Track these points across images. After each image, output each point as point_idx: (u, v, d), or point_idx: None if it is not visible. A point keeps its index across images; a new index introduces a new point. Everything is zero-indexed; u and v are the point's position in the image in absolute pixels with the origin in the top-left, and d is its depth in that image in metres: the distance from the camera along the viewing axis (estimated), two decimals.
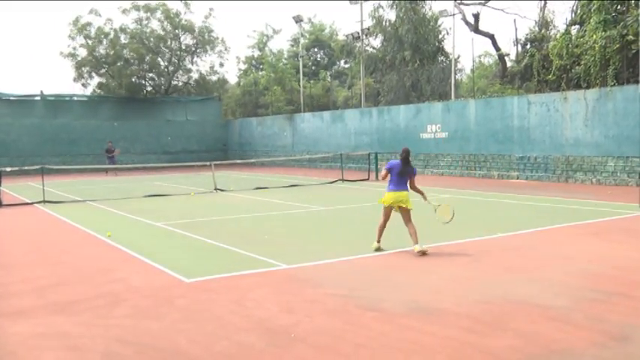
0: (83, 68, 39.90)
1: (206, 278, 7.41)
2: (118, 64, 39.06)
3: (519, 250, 8.73)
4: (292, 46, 51.67)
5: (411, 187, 8.90)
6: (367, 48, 37.33)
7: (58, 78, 78.78)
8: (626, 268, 7.52)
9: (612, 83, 19.28)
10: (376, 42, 38.83)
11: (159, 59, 41.17)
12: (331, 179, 22.51)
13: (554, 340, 4.99)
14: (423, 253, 8.40)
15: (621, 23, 19.58)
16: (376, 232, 8.93)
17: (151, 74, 41.79)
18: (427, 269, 7.65)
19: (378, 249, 8.83)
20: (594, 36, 20.03)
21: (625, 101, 18.34)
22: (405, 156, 8.78)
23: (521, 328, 5.32)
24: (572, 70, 21.85)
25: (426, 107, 26.28)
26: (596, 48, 19.88)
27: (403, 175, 8.76)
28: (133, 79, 40.14)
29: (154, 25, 40.60)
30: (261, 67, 50.47)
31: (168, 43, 41.07)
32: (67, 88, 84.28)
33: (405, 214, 8.75)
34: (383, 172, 8.98)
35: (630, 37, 19.14)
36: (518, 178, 21.56)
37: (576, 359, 4.62)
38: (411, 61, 33.76)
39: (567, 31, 23.19)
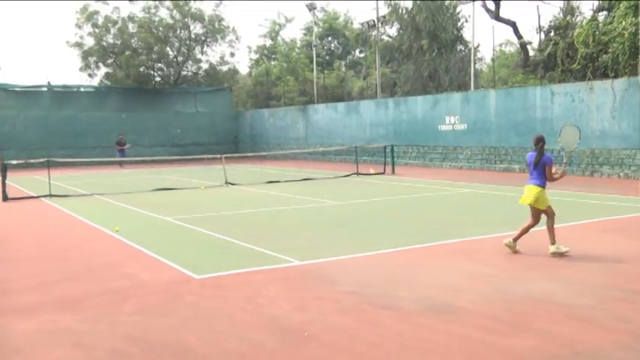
0: (90, 58, 40.15)
1: (216, 274, 7.45)
2: (126, 53, 39.25)
3: (541, 247, 8.66)
4: (305, 35, 51.60)
5: (549, 181, 8.18)
6: (383, 37, 37.17)
7: (64, 68, 79.45)
8: None
9: None
10: (392, 30, 38.66)
11: (168, 49, 41.32)
12: (346, 173, 22.50)
13: (577, 340, 4.96)
14: (558, 251, 7.96)
15: None
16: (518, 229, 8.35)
17: (159, 64, 41.94)
18: (445, 266, 7.63)
19: (511, 246, 8.26)
20: (623, 22, 19.75)
21: None
22: (539, 144, 8.11)
23: (542, 327, 5.29)
24: (599, 59, 21.60)
25: (445, 98, 26.14)
26: (626, 35, 19.60)
27: (536, 166, 8.14)
28: (141, 70, 40.32)
29: (163, 13, 40.79)
30: (273, 56, 50.49)
31: (178, 32, 41.19)
32: (73, 78, 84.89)
33: (546, 211, 8.15)
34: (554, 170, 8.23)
35: None
36: None
37: None
38: (428, 51, 33.55)
39: (594, 18, 22.94)
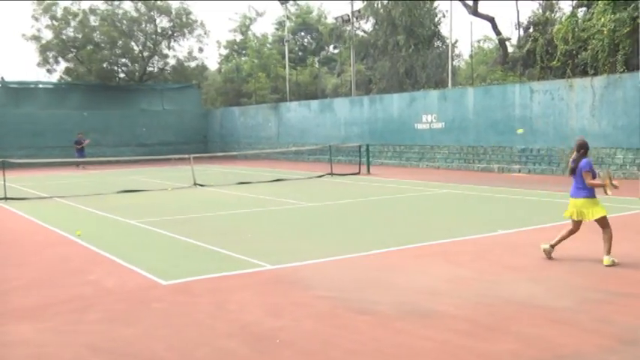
0: (48, 52, 39.53)
1: (185, 280, 7.39)
2: (88, 48, 38.73)
3: (521, 249, 8.79)
4: (277, 29, 51.54)
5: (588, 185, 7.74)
6: (358, 32, 37.32)
7: (20, 63, 78.04)
8: (632, 266, 7.60)
9: (622, 69, 19.42)
10: (367, 25, 38.86)
11: (132, 43, 40.89)
12: (319, 173, 22.52)
13: (559, 344, 5.03)
14: (613, 264, 7.55)
15: (632, 5, 19.68)
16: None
17: (123, 60, 41.50)
18: (423, 269, 7.68)
19: (548, 253, 8.03)
20: (602, 19, 20.14)
21: (635, 89, 18.46)
22: (581, 151, 7.67)
23: (523, 331, 5.36)
24: (579, 56, 21.98)
25: (421, 96, 26.34)
26: (605, 32, 19.99)
27: (575, 174, 7.70)
28: (104, 65, 39.84)
29: (127, 6, 40.36)
30: (243, 52, 50.32)
31: (143, 26, 40.80)
32: (31, 74, 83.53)
33: (598, 222, 7.75)
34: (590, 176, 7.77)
35: None
36: (520, 172, 21.69)
37: None
38: (404, 46, 33.77)
39: (573, 14, 23.35)
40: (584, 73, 21.13)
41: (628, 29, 19.61)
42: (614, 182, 7.88)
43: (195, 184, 19.25)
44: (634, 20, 19.50)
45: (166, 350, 5.14)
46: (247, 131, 37.23)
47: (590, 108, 19.62)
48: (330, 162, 23.89)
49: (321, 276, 7.49)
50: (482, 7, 31.99)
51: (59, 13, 38.77)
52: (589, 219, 7.76)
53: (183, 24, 41.55)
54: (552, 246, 8.05)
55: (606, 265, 7.60)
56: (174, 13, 41.08)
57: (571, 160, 7.94)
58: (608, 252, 7.69)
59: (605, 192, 7.85)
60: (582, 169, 7.66)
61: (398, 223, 11.54)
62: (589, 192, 7.74)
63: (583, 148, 7.74)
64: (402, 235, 10.18)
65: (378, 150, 27.31)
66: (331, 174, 22.04)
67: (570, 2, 28.71)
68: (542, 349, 4.93)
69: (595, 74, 20.29)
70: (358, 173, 22.52)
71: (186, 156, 21.44)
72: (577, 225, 7.99)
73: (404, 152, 26.53)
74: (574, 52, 22.10)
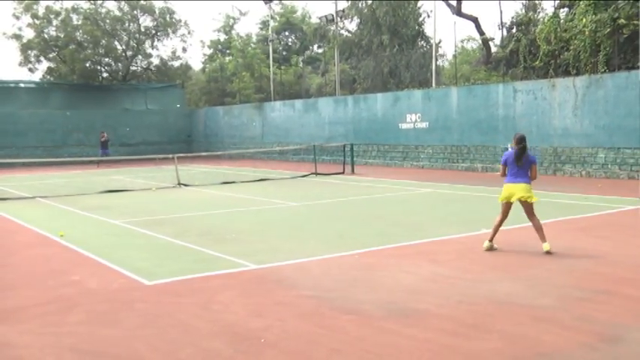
0: (30, 51, 39.18)
1: (169, 280, 7.36)
2: (70, 47, 38.45)
3: (503, 247, 8.85)
4: (261, 29, 51.46)
5: (532, 179, 8.61)
6: (342, 32, 37.36)
7: (1, 62, 77.18)
8: (614, 264, 7.69)
9: (603, 70, 19.62)
10: (352, 25, 38.95)
11: (115, 43, 40.67)
12: (303, 173, 22.52)
13: (540, 341, 5.08)
14: (548, 253, 8.24)
15: (612, 6, 19.90)
16: (491, 229, 8.72)
17: (107, 59, 41.26)
18: (407, 269, 7.71)
19: (490, 248, 8.61)
20: (584, 20, 20.33)
21: (616, 89, 18.67)
22: (521, 144, 8.41)
23: (506, 329, 5.40)
24: (561, 56, 22.18)
25: (405, 95, 26.43)
26: (586, 32, 20.18)
27: (521, 164, 8.46)
28: (87, 65, 39.59)
29: (110, 5, 40.26)
30: (227, 52, 50.20)
31: (126, 25, 40.59)
32: (12, 73, 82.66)
33: (527, 207, 8.53)
34: (501, 168, 8.80)
35: (622, 21, 19.47)
36: None
37: None
38: (389, 46, 33.89)
39: (555, 14, 23.55)
40: (567, 73, 21.33)
41: (608, 30, 19.82)
42: None
43: (179, 183, 19.17)
44: (614, 21, 19.71)
45: (150, 351, 5.11)
46: (231, 131, 37.13)
47: (572, 108, 19.80)
48: (314, 162, 23.89)
49: (305, 276, 7.50)
50: (465, 8, 32.22)
51: (40, 11, 38.43)
52: (532, 200, 8.46)
53: (166, 23, 41.39)
54: (491, 240, 8.64)
55: (545, 252, 8.23)
56: (157, 12, 40.92)
57: (506, 153, 8.67)
58: (544, 239, 8.37)
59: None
60: (534, 163, 8.55)
61: (382, 223, 11.57)
62: (527, 180, 8.53)
63: (524, 141, 8.44)
64: (386, 234, 10.21)
65: (363, 150, 27.36)
66: (315, 174, 22.05)
67: (552, 3, 29.02)
68: (524, 347, 4.98)
69: (577, 74, 20.48)
70: (342, 173, 22.55)
71: (170, 156, 21.34)
72: (507, 210, 8.70)
73: (388, 152, 26.61)
74: (556, 52, 22.29)
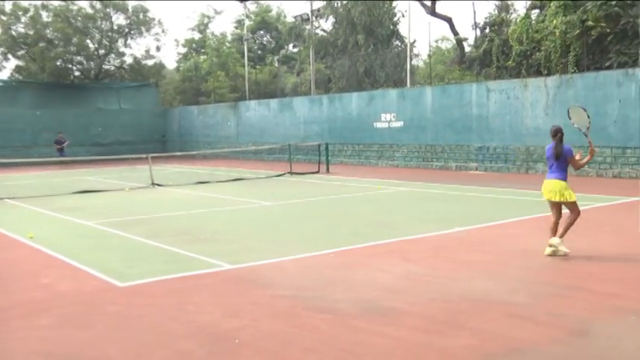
0: None
1: (142, 281, 7.29)
2: (40, 45, 37.84)
3: (477, 245, 8.94)
4: (236, 28, 51.25)
5: (577, 168, 8.30)
6: (317, 31, 37.38)
7: None
8: (584, 260, 7.80)
9: (573, 70, 19.93)
10: (327, 24, 39.01)
11: (88, 41, 40.16)
12: (279, 172, 22.49)
13: (512, 337, 5.14)
14: (554, 254, 7.89)
15: (581, 8, 20.23)
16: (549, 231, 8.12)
17: (78, 57, 40.73)
18: (380, 267, 7.75)
19: (555, 252, 7.96)
20: (554, 21, 20.65)
21: (585, 89, 18.98)
22: (559, 135, 7.97)
23: (478, 326, 5.46)
24: (533, 56, 22.48)
25: (380, 94, 26.54)
26: (557, 33, 20.50)
27: (558, 158, 7.97)
28: (58, 63, 39.04)
29: (82, 2, 39.67)
30: (202, 51, 49.91)
31: (99, 23, 40.11)
32: None
33: (568, 205, 7.99)
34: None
35: (590, 23, 19.80)
36: (477, 170, 22.05)
37: (535, 357, 4.77)
38: (364, 46, 34.02)
39: (527, 16, 23.84)
40: (538, 73, 21.61)
41: (578, 31, 20.15)
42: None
43: (153, 184, 19.00)
44: (583, 23, 20.04)
45: (122, 354, 5.06)
46: (206, 130, 36.92)
47: (544, 107, 20.07)
48: (289, 161, 23.86)
49: (280, 275, 7.49)
50: (439, 8, 32.47)
51: (8, 7, 37.78)
52: (567, 199, 7.93)
53: (140, 22, 41.02)
54: (561, 236, 7.99)
55: (551, 245, 7.93)
56: (130, 10, 40.51)
57: (547, 147, 8.21)
58: (562, 235, 7.91)
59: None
60: (568, 156, 8.01)
61: (356, 222, 11.61)
62: (566, 176, 8.04)
63: (560, 132, 8.02)
64: (360, 233, 10.24)
65: (338, 149, 27.41)
66: (291, 173, 22.03)
67: (524, 4, 29.39)
68: (497, 343, 5.03)
69: (548, 74, 20.77)
70: (317, 172, 22.56)
71: (144, 156, 21.13)
72: (554, 207, 8.11)
73: (363, 151, 26.70)
74: (528, 52, 22.58)
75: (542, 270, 7.45)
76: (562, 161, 8.01)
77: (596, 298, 6.24)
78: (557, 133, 8.05)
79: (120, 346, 5.23)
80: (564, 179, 7.99)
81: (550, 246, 8.01)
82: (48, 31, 38.39)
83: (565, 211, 8.13)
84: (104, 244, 9.96)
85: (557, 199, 7.97)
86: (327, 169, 22.93)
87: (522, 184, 16.83)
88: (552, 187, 8.01)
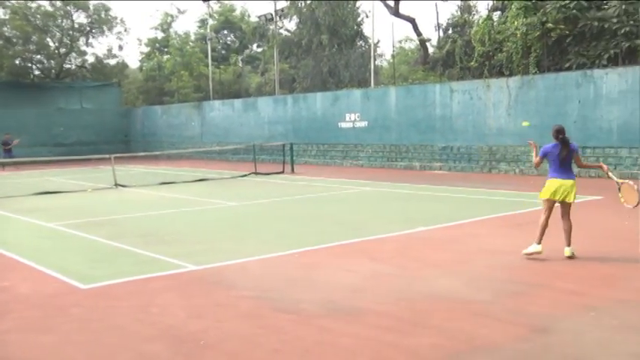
0: None
1: (105, 283, 7.18)
2: None
3: (441, 244, 9.04)
4: (200, 27, 50.80)
5: (580, 167, 8.24)
6: (281, 31, 37.35)
7: None
8: (547, 259, 7.94)
9: (534, 71, 20.30)
10: (291, 24, 38.96)
11: (48, 39, 39.32)
12: (243, 172, 22.39)
13: (477, 335, 5.21)
14: (571, 257, 7.78)
15: (541, 10, 20.63)
16: (537, 231, 7.94)
17: (38, 56, 39.86)
18: (346, 267, 7.77)
19: (540, 253, 7.86)
20: (515, 22, 20.99)
21: (546, 89, 19.36)
22: (562, 136, 7.72)
23: (443, 324, 5.52)
24: (495, 57, 22.81)
25: (345, 95, 26.64)
26: (518, 35, 20.84)
27: (566, 158, 7.80)
28: (17, 61, 38.13)
29: (41, 0, 38.79)
30: (165, 50, 49.33)
31: (59, 21, 39.31)
32: None
33: (565, 207, 7.91)
34: (536, 158, 8.12)
35: (550, 25, 20.20)
36: (441, 169, 22.29)
37: (498, 354, 4.85)
38: (328, 46, 34.10)
39: (489, 17, 24.18)
40: (501, 74, 21.95)
41: (538, 33, 20.54)
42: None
43: (116, 184, 18.72)
44: (543, 24, 20.43)
45: (85, 357, 4.98)
46: (170, 130, 36.53)
47: (506, 107, 20.40)
48: (254, 161, 23.75)
49: (245, 276, 7.46)
50: (403, 8, 32.70)
51: None
52: (572, 200, 7.87)
53: (101, 20, 40.34)
54: (538, 242, 7.90)
55: (567, 256, 7.79)
56: (92, 9, 39.81)
57: (546, 147, 8.01)
58: (570, 242, 7.88)
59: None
60: (577, 153, 7.96)
61: (321, 222, 11.63)
62: (574, 176, 7.94)
63: (561, 133, 7.81)
64: (324, 233, 10.26)
65: (302, 149, 27.41)
66: (255, 173, 21.96)
67: (486, 5, 29.84)
68: (460, 341, 5.10)
69: (510, 75, 21.11)
70: (282, 172, 22.52)
71: (107, 156, 20.80)
72: (552, 207, 7.98)
73: (328, 151, 26.75)
74: (490, 53, 22.90)
75: (506, 268, 7.57)
76: (569, 160, 7.92)
77: (557, 295, 6.37)
78: (559, 134, 7.81)
79: (83, 349, 5.14)
80: (574, 178, 7.94)
81: (570, 255, 7.85)
82: (5, 28, 37.50)
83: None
84: (66, 245, 9.78)
85: (571, 199, 7.83)
86: (292, 170, 22.92)
87: (485, 184, 17.09)
88: (565, 187, 7.81)
